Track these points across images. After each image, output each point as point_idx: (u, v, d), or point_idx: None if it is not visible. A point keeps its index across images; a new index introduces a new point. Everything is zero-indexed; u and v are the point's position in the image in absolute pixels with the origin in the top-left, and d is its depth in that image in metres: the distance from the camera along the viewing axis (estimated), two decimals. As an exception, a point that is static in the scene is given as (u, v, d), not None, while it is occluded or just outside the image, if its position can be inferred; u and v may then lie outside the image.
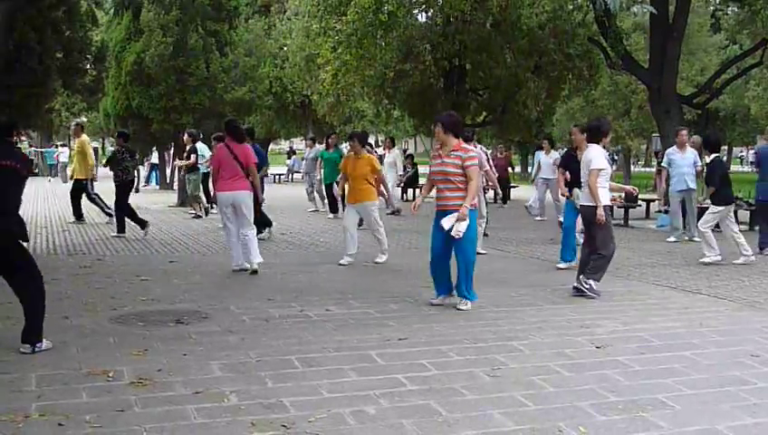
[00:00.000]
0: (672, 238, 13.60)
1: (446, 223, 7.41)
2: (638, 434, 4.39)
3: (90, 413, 4.55)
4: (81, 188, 15.51)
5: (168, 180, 28.71)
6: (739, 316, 7.60)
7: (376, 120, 31.01)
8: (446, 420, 4.55)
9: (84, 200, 15.58)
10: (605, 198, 8.32)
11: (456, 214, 7.36)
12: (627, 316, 7.47)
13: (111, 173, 13.86)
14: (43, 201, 21.97)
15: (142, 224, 13.64)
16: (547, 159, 18.35)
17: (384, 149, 19.97)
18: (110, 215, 15.12)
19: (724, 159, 23.24)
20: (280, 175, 36.82)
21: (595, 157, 8.31)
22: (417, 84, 23.05)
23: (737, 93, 35.42)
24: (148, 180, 32.33)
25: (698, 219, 13.80)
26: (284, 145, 66.93)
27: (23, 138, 40.20)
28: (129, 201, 13.80)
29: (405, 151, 34.12)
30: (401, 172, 20.09)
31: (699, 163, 13.68)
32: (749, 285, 9.42)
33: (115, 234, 13.44)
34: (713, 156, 11.16)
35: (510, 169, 25.82)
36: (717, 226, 11.21)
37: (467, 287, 7.70)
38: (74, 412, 4.55)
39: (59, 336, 6.33)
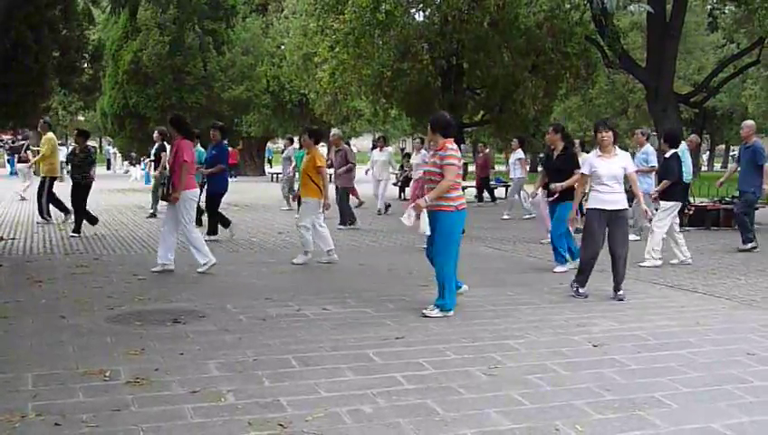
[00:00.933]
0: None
1: (404, 219, 7.41)
2: (633, 432, 4.39)
3: (86, 413, 4.54)
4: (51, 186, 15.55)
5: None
6: (735, 315, 7.61)
7: (373, 118, 30.97)
8: (443, 419, 4.55)
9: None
10: (594, 201, 8.31)
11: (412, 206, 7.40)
12: (623, 315, 7.48)
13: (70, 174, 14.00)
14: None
15: (92, 220, 13.98)
16: (511, 160, 18.57)
17: (380, 149, 19.91)
18: (45, 220, 15.35)
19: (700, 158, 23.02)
20: (278, 174, 36.78)
21: (583, 163, 8.45)
22: (414, 83, 23.05)
23: (734, 92, 35.50)
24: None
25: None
26: (281, 144, 66.82)
27: (19, 136, 40.07)
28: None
29: (402, 150, 34.09)
30: (396, 171, 19.98)
31: (650, 162, 13.51)
32: (745, 283, 9.44)
33: (72, 233, 13.49)
34: (671, 151, 11.08)
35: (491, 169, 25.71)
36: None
37: (440, 292, 7.40)
38: (71, 412, 4.55)
39: (55, 336, 6.34)
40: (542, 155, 17.84)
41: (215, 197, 13.08)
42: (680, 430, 4.45)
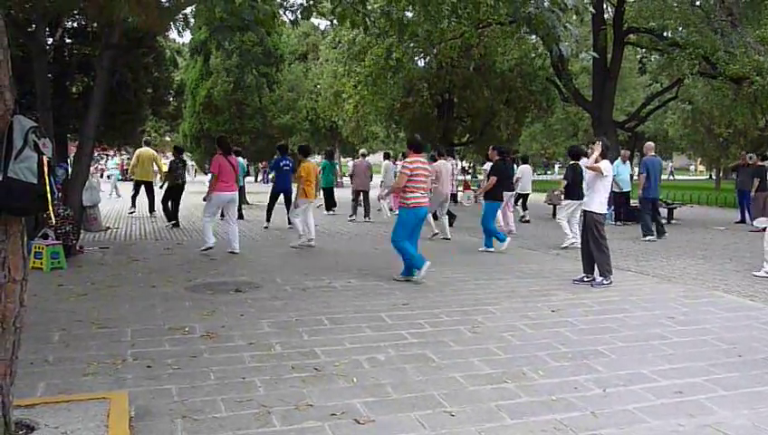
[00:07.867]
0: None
1: None
2: (582, 376, 4.35)
3: (171, 358, 4.55)
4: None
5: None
6: (659, 288, 7.54)
7: (386, 139, 31.02)
8: (438, 365, 4.52)
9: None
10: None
11: None
12: (575, 288, 7.42)
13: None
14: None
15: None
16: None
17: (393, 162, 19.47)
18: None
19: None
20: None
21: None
22: (417, 113, 23.11)
23: (658, 120, 35.11)
24: None
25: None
26: (317, 159, 66.96)
27: (122, 152, 40.09)
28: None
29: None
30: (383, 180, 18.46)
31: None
32: (667, 264, 9.35)
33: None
34: (572, 162, 10.93)
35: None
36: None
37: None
38: (159, 357, 4.56)
39: (148, 300, 6.35)
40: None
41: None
42: (617, 374, 4.40)
